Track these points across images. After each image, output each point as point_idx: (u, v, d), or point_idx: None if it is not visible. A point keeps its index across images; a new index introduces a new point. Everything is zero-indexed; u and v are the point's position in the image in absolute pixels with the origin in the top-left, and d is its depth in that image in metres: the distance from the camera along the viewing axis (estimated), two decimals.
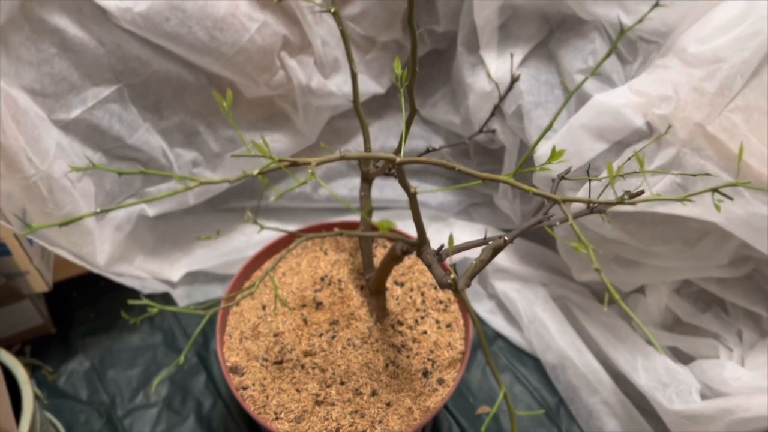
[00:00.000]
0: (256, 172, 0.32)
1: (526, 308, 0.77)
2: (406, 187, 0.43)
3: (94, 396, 0.72)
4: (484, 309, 0.80)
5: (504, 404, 0.73)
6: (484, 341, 0.36)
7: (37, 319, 0.74)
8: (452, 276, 0.41)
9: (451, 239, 0.33)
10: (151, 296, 0.77)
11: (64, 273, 0.78)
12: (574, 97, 0.66)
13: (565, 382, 0.73)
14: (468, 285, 0.41)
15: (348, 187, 0.82)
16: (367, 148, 0.52)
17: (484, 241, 0.47)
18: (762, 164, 0.56)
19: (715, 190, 0.31)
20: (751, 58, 0.57)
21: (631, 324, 0.73)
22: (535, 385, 0.75)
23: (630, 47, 0.65)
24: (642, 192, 0.53)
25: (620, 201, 0.32)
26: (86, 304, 0.80)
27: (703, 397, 0.64)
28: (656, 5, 0.30)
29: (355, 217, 0.72)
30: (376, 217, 0.68)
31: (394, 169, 0.58)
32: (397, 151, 0.41)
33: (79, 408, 0.72)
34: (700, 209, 0.57)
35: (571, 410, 0.73)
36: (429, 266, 0.46)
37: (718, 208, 0.32)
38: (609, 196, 0.57)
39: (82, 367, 0.75)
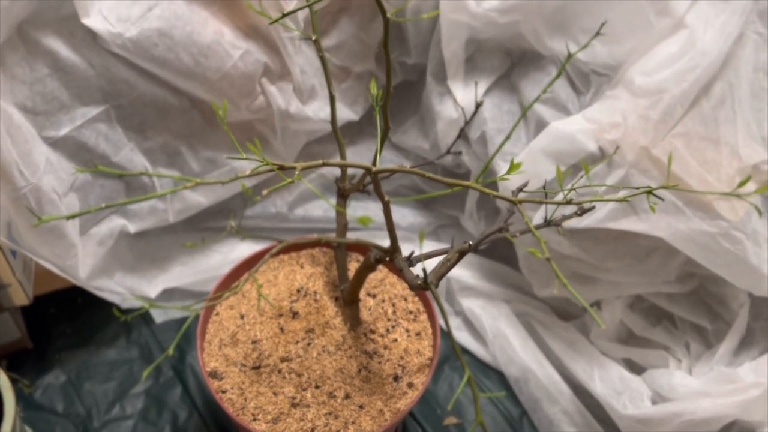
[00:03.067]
0: (248, 172, 0.36)
1: (491, 324, 0.81)
2: (381, 196, 0.47)
3: (70, 408, 0.74)
4: (451, 325, 0.84)
5: (470, 415, 0.77)
6: (448, 323, 0.40)
7: (14, 333, 0.76)
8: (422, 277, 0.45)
9: (421, 235, 0.38)
10: (130, 311, 0.78)
11: (41, 288, 0.79)
12: (533, 124, 0.72)
13: (527, 393, 0.77)
14: (437, 284, 0.45)
15: (322, 208, 0.86)
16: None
17: (450, 249, 0.52)
18: (700, 185, 0.62)
19: (650, 191, 0.36)
20: (689, 89, 0.63)
21: (589, 337, 0.78)
22: (499, 397, 0.79)
23: (584, 80, 0.71)
24: (593, 207, 0.58)
25: (569, 201, 0.37)
26: (63, 320, 0.82)
27: (654, 403, 0.69)
28: (598, 34, 0.36)
29: (330, 236, 0.76)
30: (349, 236, 0.72)
31: (367, 186, 0.63)
32: (374, 163, 0.45)
33: (55, 420, 0.73)
34: (646, 224, 0.63)
35: (533, 420, 0.76)
36: (401, 270, 0.50)
37: (653, 209, 0.37)
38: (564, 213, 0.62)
39: (59, 381, 0.76)
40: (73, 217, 0.35)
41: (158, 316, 0.83)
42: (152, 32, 0.65)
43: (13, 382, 0.75)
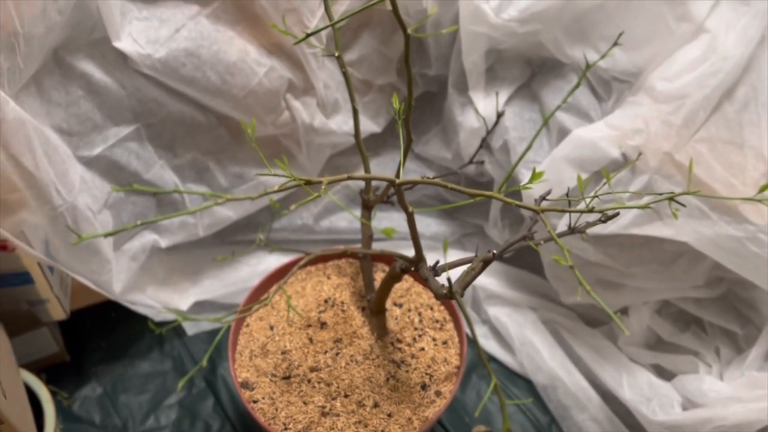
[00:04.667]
0: (277, 187, 0.37)
1: (518, 332, 0.81)
2: (405, 207, 0.48)
3: (107, 420, 0.76)
4: (478, 334, 0.84)
5: (499, 423, 0.77)
6: (474, 332, 0.40)
7: (53, 347, 0.78)
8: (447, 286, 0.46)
9: (445, 244, 0.38)
10: (162, 324, 0.80)
11: (77, 303, 0.82)
12: (555, 131, 0.72)
13: (555, 401, 0.77)
14: (462, 293, 0.46)
15: (347, 219, 0.87)
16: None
17: (474, 258, 0.52)
18: (726, 189, 0.62)
19: (671, 198, 0.37)
20: (712, 94, 0.63)
21: (616, 344, 0.77)
22: (527, 405, 0.79)
23: (605, 87, 0.71)
24: (617, 214, 0.58)
25: (590, 210, 0.38)
26: (99, 334, 0.84)
27: (685, 409, 0.69)
28: (615, 45, 0.36)
29: (356, 247, 0.77)
30: (375, 246, 0.73)
31: (392, 197, 0.64)
32: (397, 175, 0.46)
33: (92, 431, 0.75)
34: (671, 230, 0.63)
35: (562, 428, 0.76)
36: (426, 280, 0.51)
37: (675, 215, 0.37)
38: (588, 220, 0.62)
39: (95, 393, 0.78)
40: (110, 234, 0.36)
41: (190, 328, 0.85)
42: (180, 52, 0.67)
43: (53, 394, 0.77)
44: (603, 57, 0.38)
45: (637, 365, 0.74)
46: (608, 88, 0.71)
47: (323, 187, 0.38)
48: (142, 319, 0.80)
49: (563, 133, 0.71)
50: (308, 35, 0.38)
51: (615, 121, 0.67)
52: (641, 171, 0.64)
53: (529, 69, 0.77)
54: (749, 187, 0.62)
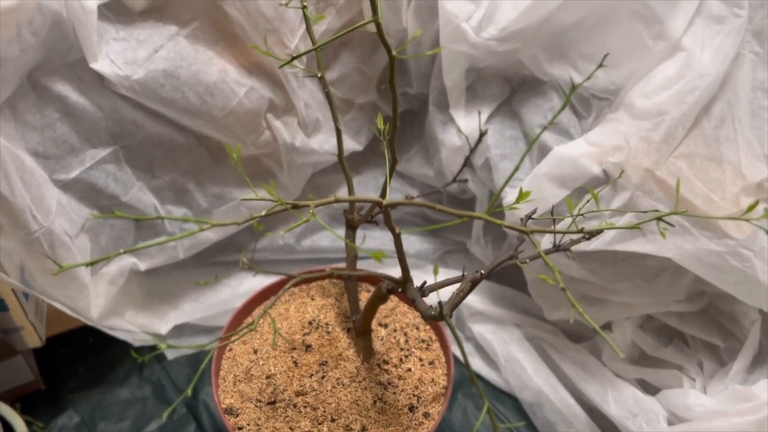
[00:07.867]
0: (264, 212, 0.37)
1: (502, 349, 0.81)
2: (391, 228, 0.47)
3: None
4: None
5: None
6: (465, 354, 0.40)
7: (27, 376, 0.76)
8: (436, 307, 0.46)
9: (435, 269, 0.38)
10: (141, 349, 0.79)
11: (53, 329, 0.80)
12: (536, 149, 0.72)
13: (542, 418, 0.77)
14: (450, 314, 0.46)
15: (329, 238, 0.87)
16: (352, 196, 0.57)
17: (462, 278, 0.52)
18: (706, 205, 0.62)
19: (659, 218, 0.37)
20: (689, 110, 0.64)
21: (601, 359, 0.78)
22: (514, 423, 0.78)
23: (584, 104, 0.72)
24: (601, 231, 0.59)
25: (580, 231, 0.38)
26: (75, 360, 0.82)
27: (670, 423, 0.69)
28: (600, 66, 0.37)
29: (340, 266, 0.76)
30: (360, 265, 0.73)
31: (375, 217, 0.64)
32: (383, 195, 0.46)
33: None
34: (654, 246, 0.63)
35: None
36: (413, 301, 0.50)
37: (663, 234, 0.37)
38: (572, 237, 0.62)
39: (72, 422, 0.76)
40: (92, 263, 0.35)
41: (170, 352, 0.83)
42: (159, 73, 0.66)
43: (28, 424, 0.75)
44: (589, 78, 0.38)
45: (621, 380, 0.75)
46: (588, 106, 0.71)
47: (311, 211, 0.37)
48: (121, 345, 0.78)
49: (544, 150, 0.71)
50: (293, 58, 0.38)
51: (595, 138, 0.68)
52: (623, 187, 0.65)
53: (509, 87, 0.77)
54: (729, 202, 0.63)
